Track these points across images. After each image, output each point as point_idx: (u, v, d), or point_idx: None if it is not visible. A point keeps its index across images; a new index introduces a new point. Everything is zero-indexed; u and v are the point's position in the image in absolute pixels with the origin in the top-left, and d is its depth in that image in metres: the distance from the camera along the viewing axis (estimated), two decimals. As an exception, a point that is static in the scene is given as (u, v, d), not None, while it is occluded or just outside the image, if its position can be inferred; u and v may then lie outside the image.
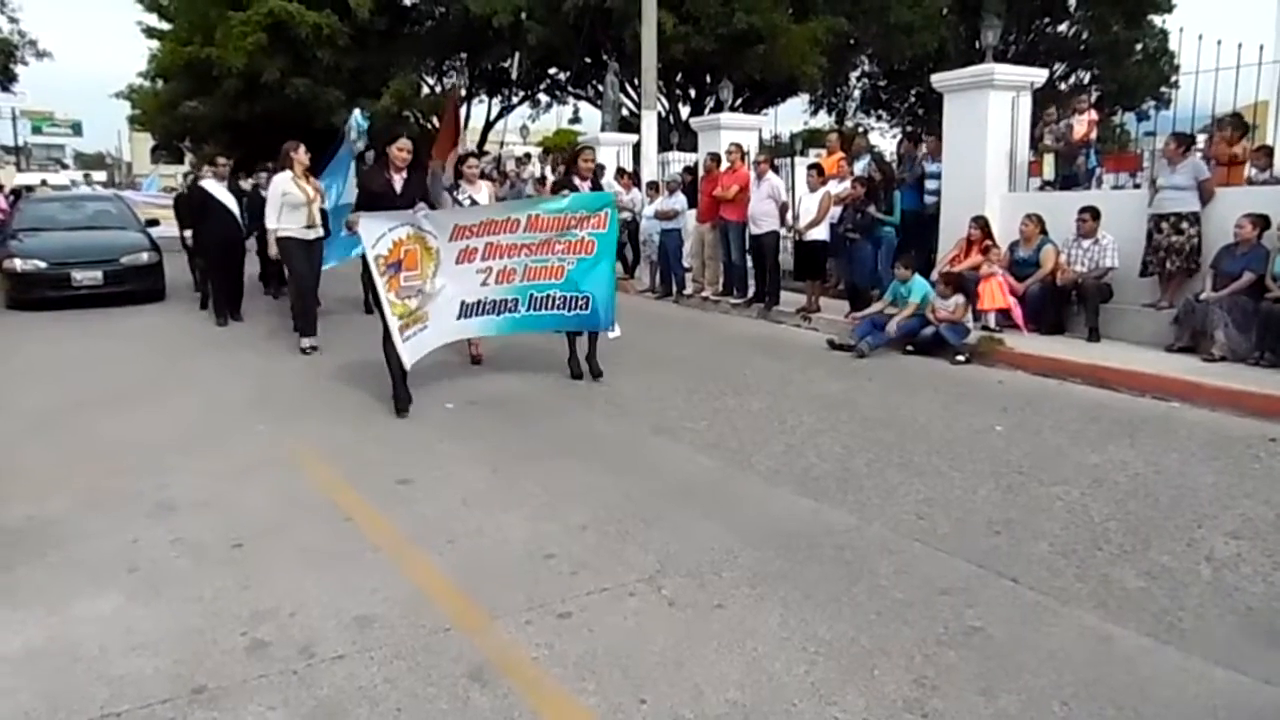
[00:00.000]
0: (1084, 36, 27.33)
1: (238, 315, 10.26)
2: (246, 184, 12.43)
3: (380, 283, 5.83)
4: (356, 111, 10.23)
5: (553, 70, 26.75)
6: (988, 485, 4.56)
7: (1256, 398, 6.04)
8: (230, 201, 10.17)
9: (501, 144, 28.50)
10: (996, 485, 4.56)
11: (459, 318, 6.53)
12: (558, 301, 6.72)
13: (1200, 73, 8.34)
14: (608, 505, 4.27)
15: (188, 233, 11.20)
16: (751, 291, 10.90)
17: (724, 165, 11.05)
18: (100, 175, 44.33)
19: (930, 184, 10.31)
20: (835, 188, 10.00)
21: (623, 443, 5.42)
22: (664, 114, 23.49)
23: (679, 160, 15.86)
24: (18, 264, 11.28)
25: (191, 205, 10.74)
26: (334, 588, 3.40)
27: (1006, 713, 2.58)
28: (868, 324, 8.35)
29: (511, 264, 6.57)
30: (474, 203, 6.92)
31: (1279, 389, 6.10)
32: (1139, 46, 27.23)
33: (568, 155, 7.49)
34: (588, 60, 24.26)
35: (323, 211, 8.45)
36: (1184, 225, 7.79)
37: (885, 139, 28.73)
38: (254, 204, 10.52)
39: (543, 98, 29.48)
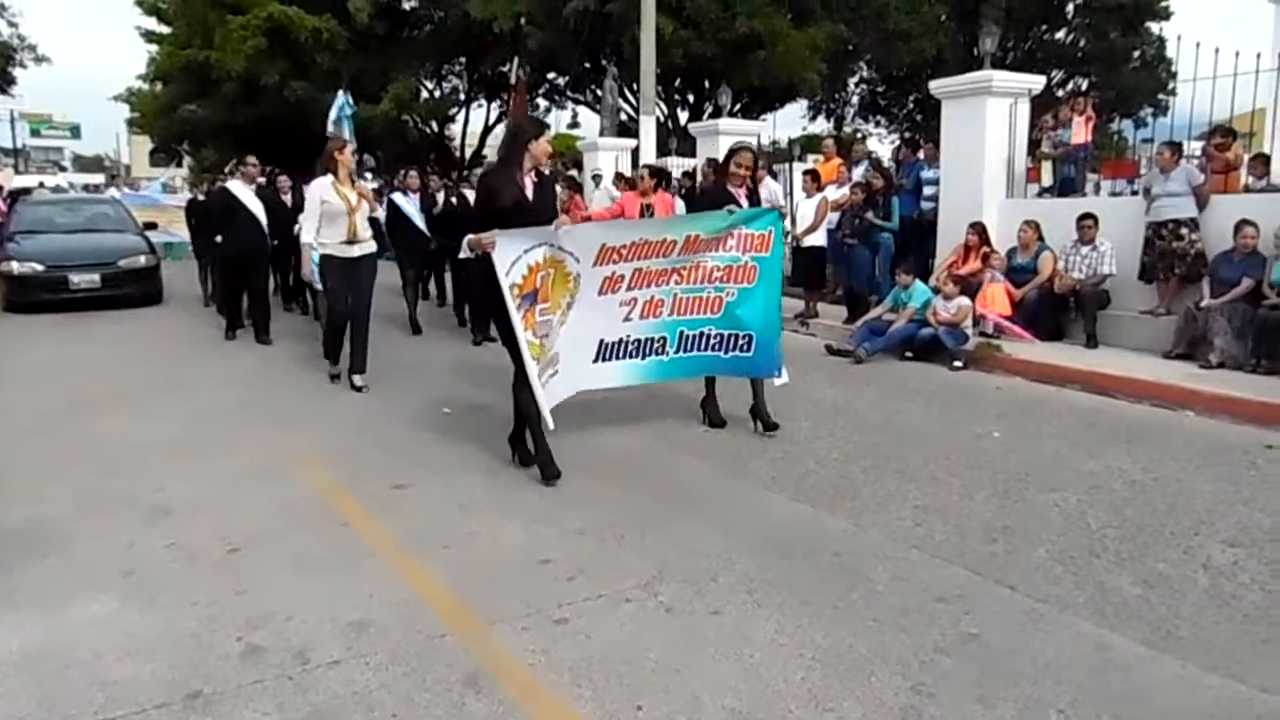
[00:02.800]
0: (1082, 43, 27.38)
1: (266, 337, 9.10)
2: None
3: (515, 318, 4.56)
4: (342, 95, 8.24)
5: (552, 75, 26.79)
6: (985, 492, 4.56)
7: (1253, 405, 6.04)
8: (258, 208, 9.10)
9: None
10: (994, 492, 4.56)
11: (596, 360, 5.29)
12: (713, 341, 5.49)
13: (1197, 80, 8.37)
14: (605, 511, 4.26)
15: (217, 238, 9.96)
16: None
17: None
18: (98, 178, 44.18)
19: (928, 190, 10.34)
20: (833, 194, 10.03)
21: (619, 449, 5.41)
22: (663, 119, 23.50)
23: (678, 165, 15.87)
24: (15, 267, 11.28)
25: (213, 211, 9.84)
26: (330, 593, 3.39)
27: (1003, 720, 2.58)
28: (866, 330, 8.35)
29: (659, 294, 5.35)
30: None
31: (1276, 396, 6.10)
32: (1136, 54, 27.27)
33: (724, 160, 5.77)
34: (587, 65, 24.29)
35: (374, 221, 7.13)
36: (1183, 231, 7.81)
37: (883, 145, 28.77)
38: (271, 207, 9.50)
39: (541, 102, 29.50)
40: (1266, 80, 8.49)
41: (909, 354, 8.08)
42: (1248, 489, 4.61)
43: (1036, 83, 9.83)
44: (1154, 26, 26.98)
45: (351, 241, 6.78)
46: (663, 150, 18.18)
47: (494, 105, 29.24)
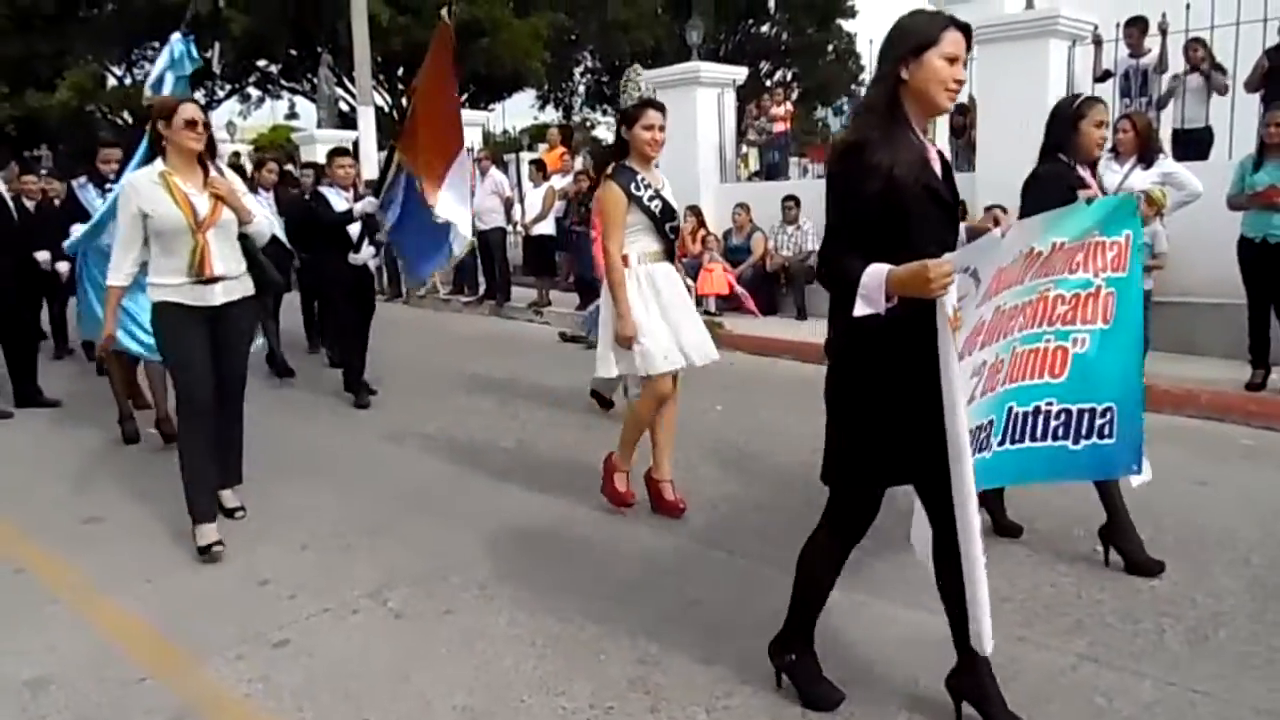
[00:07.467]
0: (784, 37, 29.61)
1: (35, 395, 6.42)
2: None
3: (961, 423, 2.41)
4: (180, 42, 5.63)
5: (262, 62, 25.01)
6: (709, 463, 4.81)
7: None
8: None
9: (208, 141, 26.26)
10: (717, 462, 4.82)
11: None
12: (1056, 423, 2.96)
13: (874, 73, 9.30)
14: (331, 522, 4.06)
15: None
16: (482, 289, 10.82)
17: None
18: None
19: (649, 177, 10.73)
20: (559, 182, 10.15)
21: (347, 455, 5.17)
22: (387, 109, 22.71)
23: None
24: None
25: None
26: None
27: (722, 677, 2.73)
28: (596, 315, 8.53)
29: (1002, 351, 2.82)
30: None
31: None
32: (830, 48, 29.91)
33: (1069, 113, 3.45)
34: (299, 52, 22.93)
35: (280, 242, 4.85)
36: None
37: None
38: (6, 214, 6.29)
39: (253, 92, 27.51)
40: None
41: (640, 336, 8.33)
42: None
43: (740, 74, 10.48)
44: (844, 23, 29.73)
45: (206, 279, 3.79)
46: (385, 143, 17.56)
47: (199, 93, 26.80)
